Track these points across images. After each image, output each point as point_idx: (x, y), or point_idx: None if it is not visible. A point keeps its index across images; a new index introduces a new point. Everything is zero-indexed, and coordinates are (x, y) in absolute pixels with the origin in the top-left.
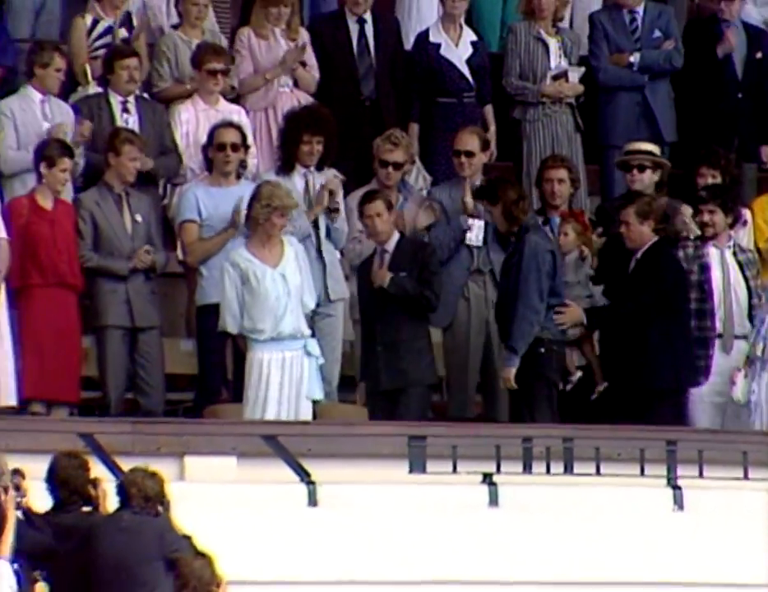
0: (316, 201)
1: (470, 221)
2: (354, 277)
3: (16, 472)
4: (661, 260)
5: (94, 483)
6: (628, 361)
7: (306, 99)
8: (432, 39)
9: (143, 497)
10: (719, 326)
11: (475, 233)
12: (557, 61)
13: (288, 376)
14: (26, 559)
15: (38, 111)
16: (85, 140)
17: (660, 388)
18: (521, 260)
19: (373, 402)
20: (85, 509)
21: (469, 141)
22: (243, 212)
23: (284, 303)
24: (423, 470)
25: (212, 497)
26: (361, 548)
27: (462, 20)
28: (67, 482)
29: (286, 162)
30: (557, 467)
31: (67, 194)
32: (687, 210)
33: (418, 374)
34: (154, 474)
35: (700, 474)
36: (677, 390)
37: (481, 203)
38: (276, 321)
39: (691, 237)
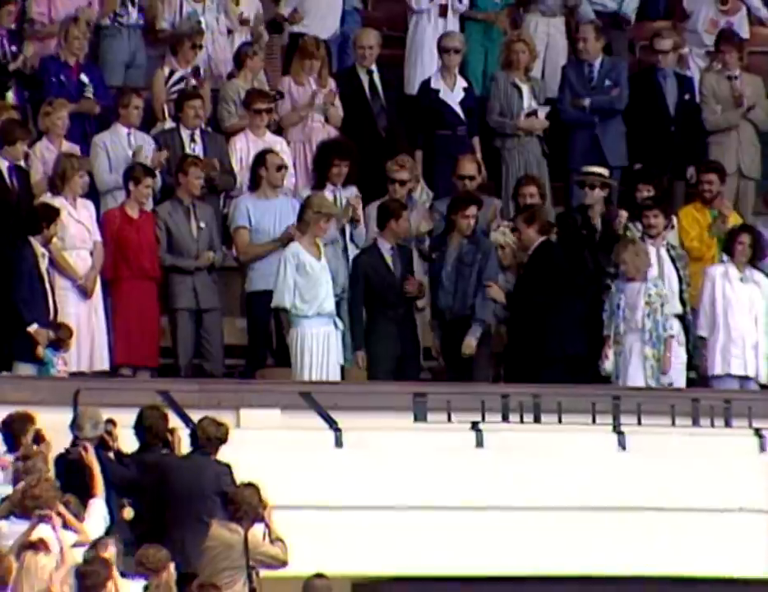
0: (343, 213)
1: None
2: None
3: (109, 421)
4: (547, 255)
5: (171, 430)
6: (528, 333)
7: (334, 132)
8: (433, 85)
9: (206, 438)
10: None
11: None
12: (528, 102)
13: (323, 346)
14: (116, 490)
15: (125, 141)
16: (161, 165)
17: (551, 356)
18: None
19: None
20: (164, 451)
21: (469, 167)
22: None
23: (327, 288)
24: (425, 419)
25: (261, 441)
26: (376, 481)
27: (456, 71)
28: (151, 428)
29: (319, 181)
30: (529, 417)
31: (149, 206)
32: (623, 215)
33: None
34: (218, 423)
35: (639, 422)
36: (563, 358)
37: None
38: (321, 302)
39: (628, 234)
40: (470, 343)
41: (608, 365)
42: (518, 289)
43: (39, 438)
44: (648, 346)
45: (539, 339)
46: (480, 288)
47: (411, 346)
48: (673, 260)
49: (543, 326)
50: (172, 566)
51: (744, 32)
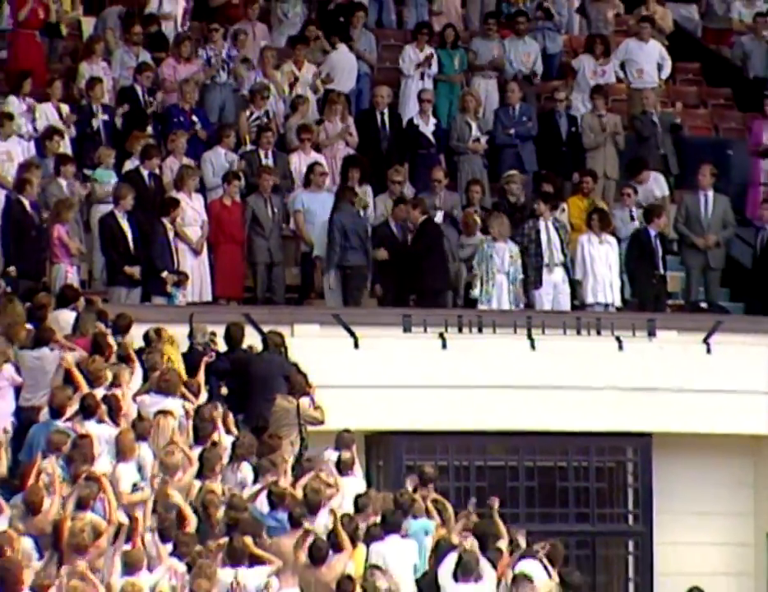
0: (357, 205)
1: None
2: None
3: (212, 333)
4: (424, 230)
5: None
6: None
7: (352, 151)
8: (415, 122)
9: (275, 344)
10: (546, 259)
11: None
12: (475, 133)
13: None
14: (216, 376)
15: (222, 158)
16: (244, 172)
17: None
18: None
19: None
20: (243, 349)
21: (438, 174)
22: None
23: None
24: (410, 331)
25: (307, 345)
26: (380, 369)
27: (429, 113)
28: (235, 337)
29: (342, 181)
30: (474, 329)
31: (237, 198)
32: (542, 206)
33: None
34: (279, 333)
35: (543, 332)
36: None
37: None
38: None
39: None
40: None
41: (476, 293)
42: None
43: (159, 332)
44: (508, 282)
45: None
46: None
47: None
48: (557, 230)
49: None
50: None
51: (612, 78)
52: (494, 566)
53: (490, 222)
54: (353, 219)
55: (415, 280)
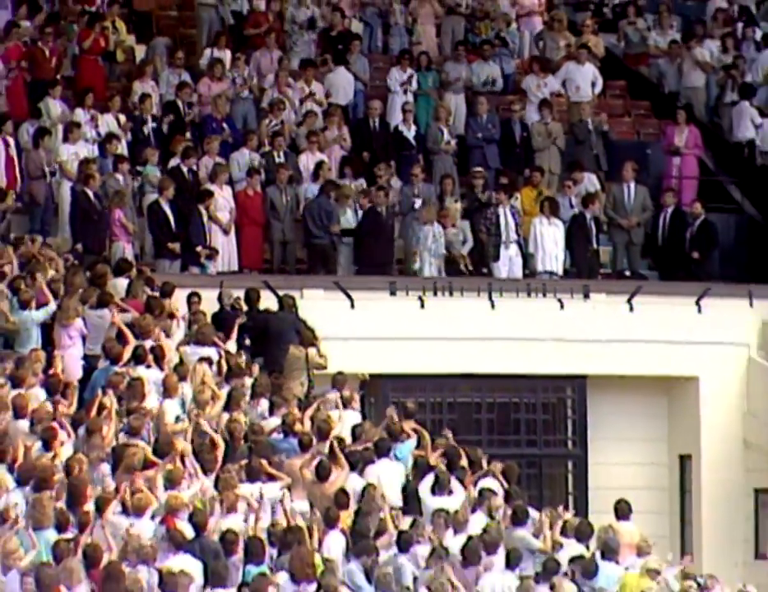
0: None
1: None
2: None
3: (237, 297)
4: (367, 216)
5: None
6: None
7: (345, 152)
8: (399, 128)
9: (288, 305)
10: (504, 237)
11: None
12: (447, 137)
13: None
14: (242, 331)
15: (246, 157)
16: (263, 167)
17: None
18: None
19: None
20: (261, 311)
21: (418, 171)
22: None
23: None
24: (395, 295)
25: (313, 306)
26: (371, 325)
27: (411, 121)
28: (252, 298)
29: (339, 175)
30: (446, 294)
31: (258, 189)
32: (501, 196)
33: None
34: (291, 297)
35: (500, 295)
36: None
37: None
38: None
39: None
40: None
41: (416, 265)
42: None
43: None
44: (434, 257)
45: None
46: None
47: None
48: (513, 214)
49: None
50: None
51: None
52: (462, 484)
53: (419, 210)
54: (325, 205)
55: (363, 255)
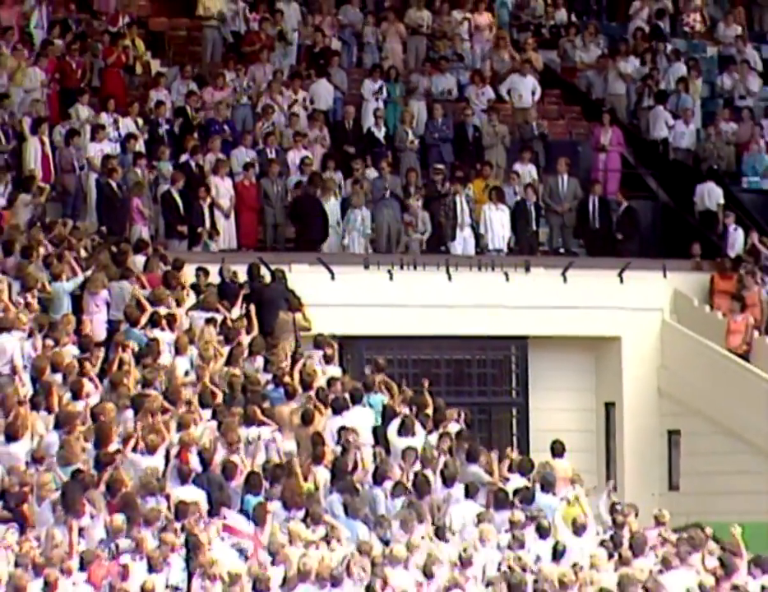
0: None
1: None
2: None
3: (234, 272)
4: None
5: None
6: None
7: (325, 150)
8: (372, 129)
9: (279, 277)
10: (459, 221)
11: None
12: (411, 136)
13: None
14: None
15: (244, 154)
16: (256, 163)
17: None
18: None
19: None
20: (258, 281)
21: (386, 165)
22: None
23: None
24: (368, 268)
25: (300, 279)
26: (350, 293)
27: (382, 123)
28: (254, 272)
29: (322, 167)
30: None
31: (253, 181)
32: (457, 186)
33: None
34: (282, 270)
35: (456, 269)
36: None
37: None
38: None
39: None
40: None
41: (346, 242)
42: None
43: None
44: (361, 237)
45: None
46: None
47: None
48: (467, 202)
49: None
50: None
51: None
52: (423, 427)
53: (351, 196)
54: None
55: (300, 233)
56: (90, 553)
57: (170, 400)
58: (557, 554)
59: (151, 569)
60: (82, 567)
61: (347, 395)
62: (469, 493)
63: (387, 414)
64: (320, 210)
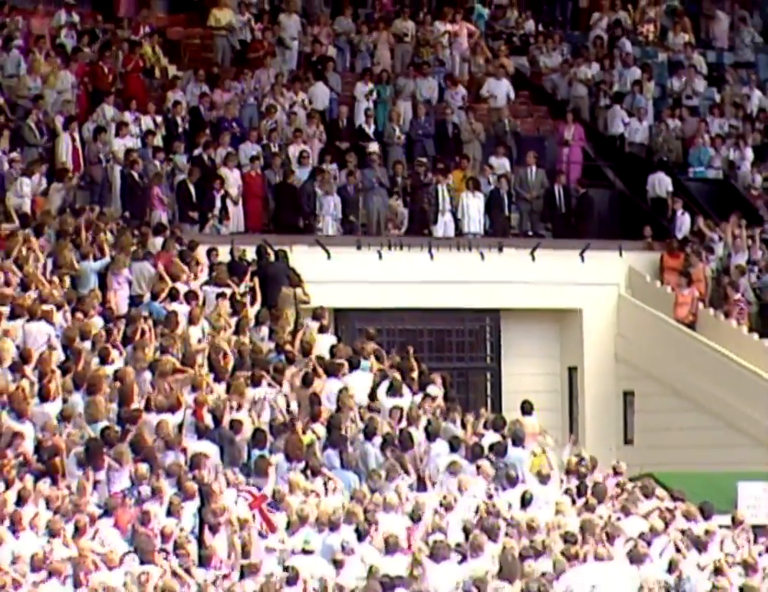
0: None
1: None
2: None
3: (243, 250)
4: (279, 189)
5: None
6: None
7: (322, 145)
8: (363, 126)
9: (281, 256)
10: (440, 207)
11: None
12: (398, 135)
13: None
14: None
15: (250, 149)
16: (261, 158)
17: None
18: None
19: None
20: (263, 259)
21: (375, 157)
22: None
23: None
24: (360, 249)
25: (300, 259)
26: (342, 271)
27: (372, 121)
28: (263, 253)
29: (320, 161)
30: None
31: (258, 171)
32: (439, 177)
33: None
34: (284, 250)
35: (437, 250)
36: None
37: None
38: None
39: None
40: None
41: (320, 225)
42: None
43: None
44: (333, 220)
45: None
46: None
47: None
48: (447, 190)
49: None
50: None
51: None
52: (410, 389)
53: (322, 184)
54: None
55: (277, 217)
56: (114, 500)
57: (186, 364)
58: (525, 502)
59: (170, 514)
60: (108, 513)
61: (344, 361)
62: (453, 447)
63: (376, 378)
64: (294, 197)
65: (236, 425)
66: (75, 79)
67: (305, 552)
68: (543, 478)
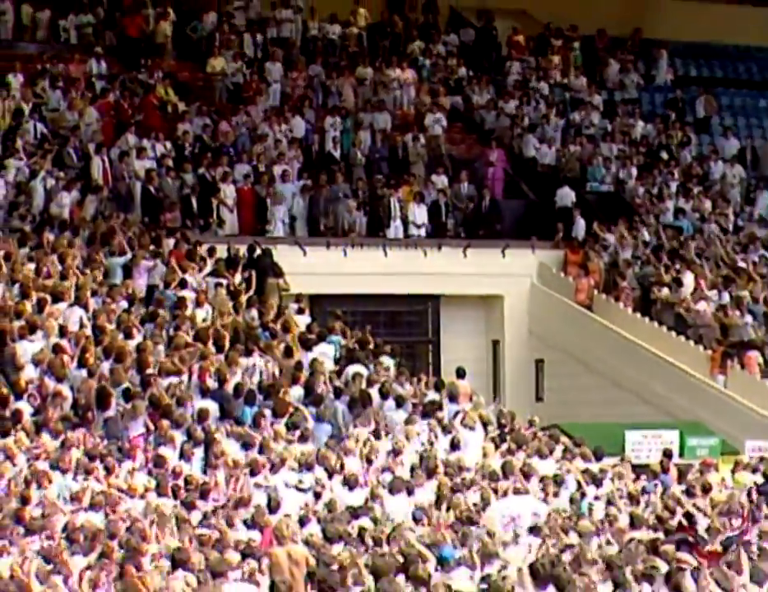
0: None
1: None
2: None
3: (237, 250)
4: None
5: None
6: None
7: (299, 165)
8: (332, 151)
9: (267, 253)
10: (392, 215)
11: None
12: (359, 158)
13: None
14: (243, 268)
15: (242, 168)
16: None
17: None
18: None
19: None
20: (253, 256)
21: (340, 176)
22: None
23: None
24: (329, 248)
25: (282, 254)
26: (335, 263)
27: (338, 146)
28: (253, 250)
29: (298, 177)
30: (359, 248)
31: (248, 185)
32: (391, 191)
33: None
34: (269, 249)
35: (400, 249)
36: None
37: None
38: None
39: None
40: None
41: (271, 227)
42: None
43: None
44: (282, 224)
45: None
46: None
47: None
48: (398, 201)
49: None
50: None
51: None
52: (368, 358)
53: (273, 195)
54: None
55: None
56: (132, 446)
57: (198, 340)
58: (454, 446)
59: (182, 457)
60: (129, 455)
61: (315, 336)
62: (401, 405)
63: (343, 350)
64: (258, 206)
65: (240, 388)
66: (98, 114)
67: (298, 489)
68: (472, 428)
